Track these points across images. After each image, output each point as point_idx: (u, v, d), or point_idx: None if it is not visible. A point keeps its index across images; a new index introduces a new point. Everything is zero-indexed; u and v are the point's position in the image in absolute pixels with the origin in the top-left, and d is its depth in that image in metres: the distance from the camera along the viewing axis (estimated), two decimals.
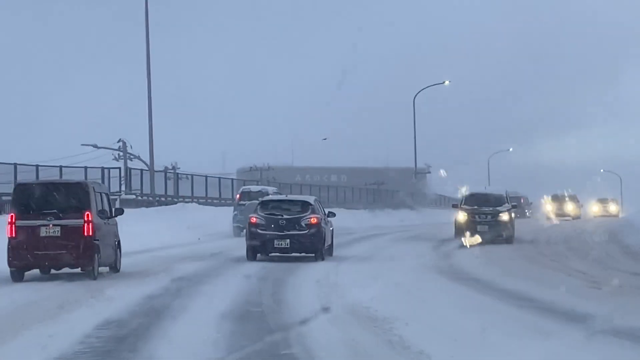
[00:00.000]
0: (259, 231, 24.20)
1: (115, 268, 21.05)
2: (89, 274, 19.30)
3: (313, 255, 24.39)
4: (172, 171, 55.52)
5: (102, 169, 47.72)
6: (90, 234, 19.21)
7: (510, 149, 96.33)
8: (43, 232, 19.15)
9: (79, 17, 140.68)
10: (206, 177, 55.54)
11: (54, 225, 19.15)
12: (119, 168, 51.62)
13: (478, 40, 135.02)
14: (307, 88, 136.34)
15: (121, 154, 58.27)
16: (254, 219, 24.51)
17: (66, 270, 19.73)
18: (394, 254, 27.35)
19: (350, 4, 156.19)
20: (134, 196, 46.82)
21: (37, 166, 41.52)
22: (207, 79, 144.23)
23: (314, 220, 24.33)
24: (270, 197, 27.27)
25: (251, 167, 73.87)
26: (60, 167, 44.37)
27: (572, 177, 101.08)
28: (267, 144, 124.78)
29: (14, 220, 19.28)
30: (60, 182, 21.13)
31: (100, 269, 19.87)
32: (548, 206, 53.34)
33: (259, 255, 24.50)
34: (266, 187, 45.28)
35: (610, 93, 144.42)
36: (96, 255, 19.39)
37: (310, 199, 26.07)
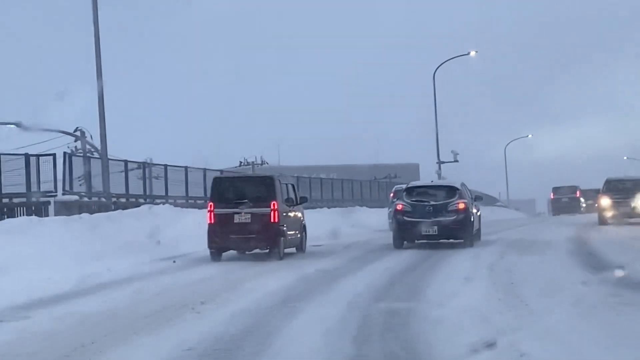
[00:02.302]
0: (406, 218, 23.75)
1: (301, 249, 23.63)
2: (276, 255, 21.71)
3: (462, 241, 23.75)
4: (136, 162, 37.04)
5: (26, 156, 31.21)
6: (276, 220, 21.69)
7: (530, 136, 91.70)
8: (236, 218, 21.78)
9: None
10: (186, 168, 39.21)
11: (245, 213, 21.78)
12: (53, 155, 32.09)
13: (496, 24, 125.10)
14: (294, 87, 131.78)
15: (78, 147, 43.15)
16: (400, 205, 24.13)
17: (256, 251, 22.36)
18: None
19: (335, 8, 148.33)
20: (76, 197, 31.97)
21: None
22: (191, 79, 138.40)
23: (461, 206, 23.63)
24: (416, 183, 26.13)
25: (241, 162, 65.04)
26: None
27: (591, 166, 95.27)
28: (252, 144, 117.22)
29: (212, 208, 22.06)
30: (251, 175, 23.79)
31: (286, 250, 22.36)
32: (605, 200, 34.74)
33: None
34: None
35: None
36: (282, 238, 21.84)
37: (457, 184, 24.97)
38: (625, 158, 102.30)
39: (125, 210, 28.92)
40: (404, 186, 41.41)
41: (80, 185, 31.24)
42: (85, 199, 32.09)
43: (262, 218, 21.63)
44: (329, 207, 46.89)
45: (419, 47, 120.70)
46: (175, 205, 33.46)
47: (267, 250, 22.13)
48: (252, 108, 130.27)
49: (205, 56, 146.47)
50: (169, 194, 37.29)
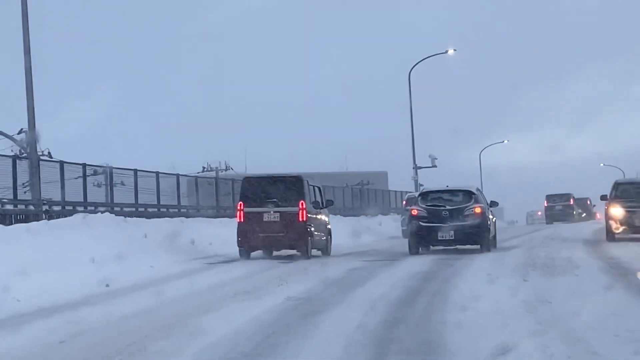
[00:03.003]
0: (421, 223, 22.99)
1: (326, 251, 23.62)
2: (304, 254, 21.92)
3: (478, 246, 23.07)
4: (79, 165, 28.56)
5: None
6: (305, 219, 21.96)
7: (506, 141, 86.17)
8: (265, 217, 22.04)
9: None
10: (135, 171, 30.89)
11: (274, 212, 22.04)
12: None
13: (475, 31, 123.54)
14: (258, 93, 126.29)
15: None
16: (415, 211, 23.36)
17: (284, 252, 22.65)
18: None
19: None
20: None
21: None
22: (160, 85, 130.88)
23: (478, 210, 22.98)
24: (431, 187, 25.24)
25: (204, 168, 60.63)
26: None
27: (567, 173, 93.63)
28: (218, 150, 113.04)
29: (242, 207, 22.35)
30: (280, 175, 23.73)
31: (312, 251, 22.54)
32: (617, 210, 26.87)
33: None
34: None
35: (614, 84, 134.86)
36: (309, 238, 22.13)
37: (473, 188, 24.38)
38: (602, 165, 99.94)
39: (53, 221, 23.39)
40: (416, 194, 40.28)
41: (25, 192, 25.69)
42: (9, 206, 25.12)
43: (290, 217, 21.88)
44: None
45: (393, 51, 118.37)
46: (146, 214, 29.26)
47: (295, 251, 22.35)
48: (218, 114, 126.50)
49: (171, 62, 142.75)
50: (114, 201, 29.63)
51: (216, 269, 19.35)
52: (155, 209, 30.93)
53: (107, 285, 15.07)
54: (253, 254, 22.52)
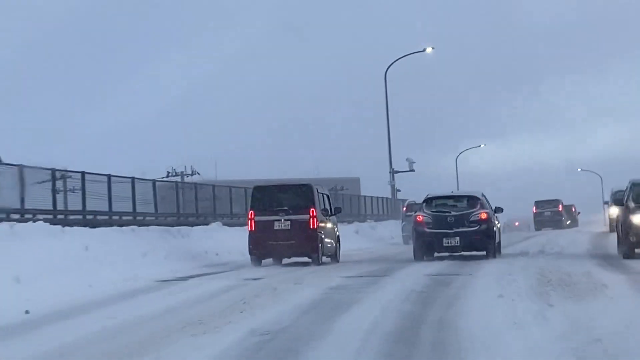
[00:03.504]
0: (427, 230, 22.62)
1: (335, 258, 23.53)
2: (315, 261, 21.91)
3: (484, 253, 22.67)
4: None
5: None
6: (315, 227, 21.94)
7: (482, 145, 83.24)
8: (276, 225, 22.05)
9: None
10: (83, 173, 26.46)
11: (285, 220, 22.03)
12: None
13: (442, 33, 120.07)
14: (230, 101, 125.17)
15: None
16: (420, 217, 22.97)
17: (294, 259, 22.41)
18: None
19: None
20: None
21: None
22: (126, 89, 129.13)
23: (484, 216, 22.59)
24: (436, 193, 24.66)
25: (168, 172, 57.20)
26: None
27: (546, 177, 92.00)
28: (187, 157, 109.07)
29: (253, 216, 22.37)
30: (290, 184, 23.93)
31: (322, 258, 22.40)
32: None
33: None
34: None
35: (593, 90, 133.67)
36: (320, 245, 22.04)
37: (478, 193, 23.82)
38: (579, 170, 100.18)
39: None
40: (415, 200, 38.67)
41: None
42: None
43: (301, 224, 21.92)
44: None
45: (368, 53, 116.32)
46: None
47: (306, 259, 22.33)
48: (189, 121, 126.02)
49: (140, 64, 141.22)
50: (57, 207, 25.35)
51: (168, 289, 15.87)
52: (106, 217, 26.78)
53: (27, 312, 12.17)
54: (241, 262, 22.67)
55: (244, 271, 20.01)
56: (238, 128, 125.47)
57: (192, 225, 29.47)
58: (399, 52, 50.78)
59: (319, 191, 22.99)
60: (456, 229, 22.33)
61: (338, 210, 24.91)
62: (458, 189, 42.41)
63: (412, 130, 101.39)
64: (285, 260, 22.97)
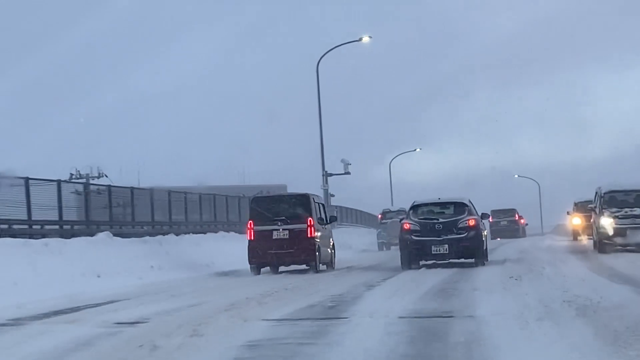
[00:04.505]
0: (414, 237, 22.19)
1: (331, 265, 24.57)
2: (312, 269, 22.83)
3: (472, 260, 22.50)
4: None
5: None
6: (312, 235, 22.89)
7: (418, 149, 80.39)
8: (275, 235, 22.94)
9: None
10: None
11: (283, 229, 22.93)
12: None
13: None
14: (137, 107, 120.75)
15: None
16: (407, 224, 22.59)
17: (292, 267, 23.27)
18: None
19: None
20: None
21: None
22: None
23: (472, 223, 22.26)
24: (422, 200, 23.95)
25: (72, 174, 51.63)
26: None
27: (481, 182, 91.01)
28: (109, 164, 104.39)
29: (252, 226, 23.24)
30: (287, 194, 24.60)
31: (320, 265, 23.33)
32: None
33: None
34: (404, 207, 39.39)
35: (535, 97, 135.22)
36: (317, 253, 22.99)
37: (465, 199, 23.42)
38: (516, 176, 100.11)
39: None
40: (390, 207, 40.24)
41: None
42: None
43: (299, 233, 22.78)
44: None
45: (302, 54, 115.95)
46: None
47: (304, 266, 23.14)
48: (105, 124, 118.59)
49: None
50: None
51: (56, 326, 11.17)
52: (6, 226, 22.84)
53: None
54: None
55: (121, 309, 13.36)
56: (164, 132, 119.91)
57: (100, 232, 25.76)
58: (331, 46, 46.17)
59: (315, 201, 23.88)
60: (444, 237, 22.00)
61: (333, 219, 26.00)
62: (392, 194, 42.60)
63: (346, 135, 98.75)
64: (282, 268, 23.67)
